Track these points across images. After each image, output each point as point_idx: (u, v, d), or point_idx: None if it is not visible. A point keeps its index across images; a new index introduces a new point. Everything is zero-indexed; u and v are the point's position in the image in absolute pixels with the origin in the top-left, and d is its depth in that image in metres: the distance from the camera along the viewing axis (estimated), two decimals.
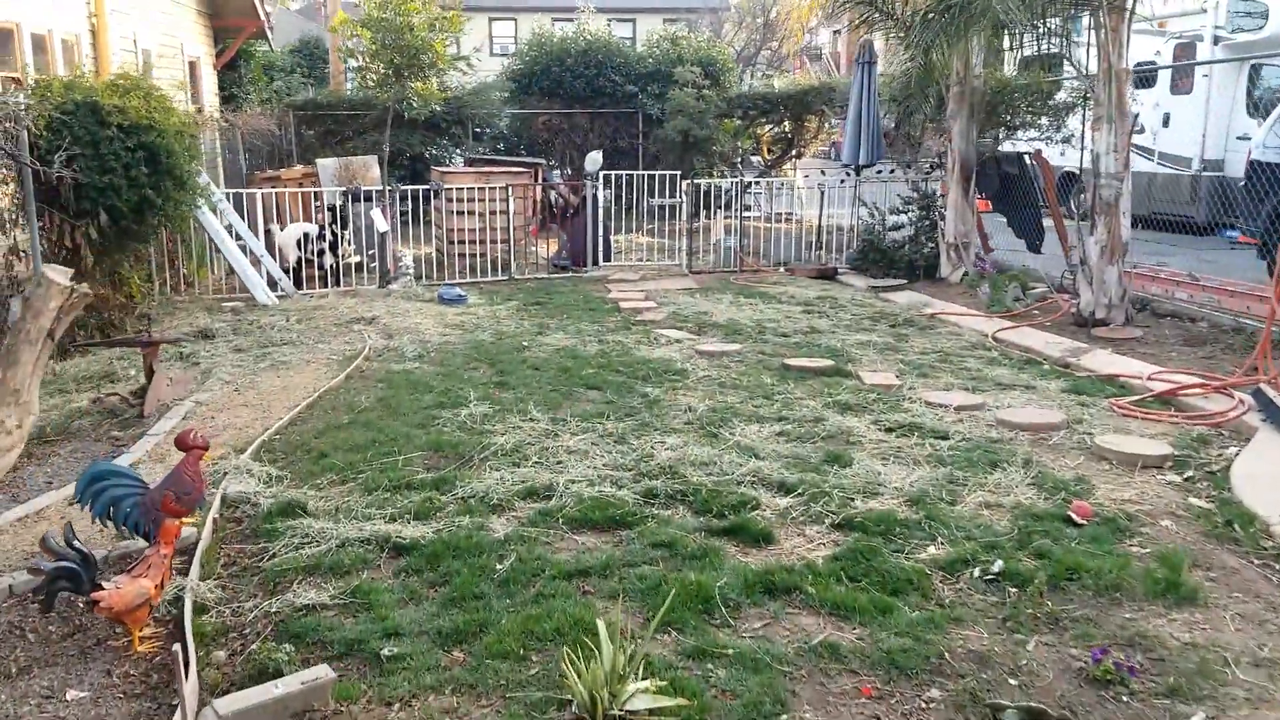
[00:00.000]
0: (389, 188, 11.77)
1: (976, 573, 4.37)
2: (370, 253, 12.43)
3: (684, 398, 7.14)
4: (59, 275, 5.90)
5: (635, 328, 9.66)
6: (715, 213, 15.01)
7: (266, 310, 10.49)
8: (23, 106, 7.71)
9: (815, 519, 4.94)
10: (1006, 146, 13.76)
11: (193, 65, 17.31)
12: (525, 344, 8.91)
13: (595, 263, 13.33)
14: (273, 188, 13.00)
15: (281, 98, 19.50)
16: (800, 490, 5.23)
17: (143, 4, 13.97)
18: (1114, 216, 9.63)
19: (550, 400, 7.03)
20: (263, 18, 18.45)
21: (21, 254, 8.25)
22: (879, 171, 14.02)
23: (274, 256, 12.01)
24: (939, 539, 4.71)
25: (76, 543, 3.93)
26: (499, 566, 4.37)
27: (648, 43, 21.48)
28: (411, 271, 11.91)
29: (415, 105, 10.96)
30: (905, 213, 13.12)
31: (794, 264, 13.48)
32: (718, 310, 10.52)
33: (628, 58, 20.38)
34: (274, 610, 4.06)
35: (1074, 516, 4.95)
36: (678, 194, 15.60)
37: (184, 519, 4.42)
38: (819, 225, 14.23)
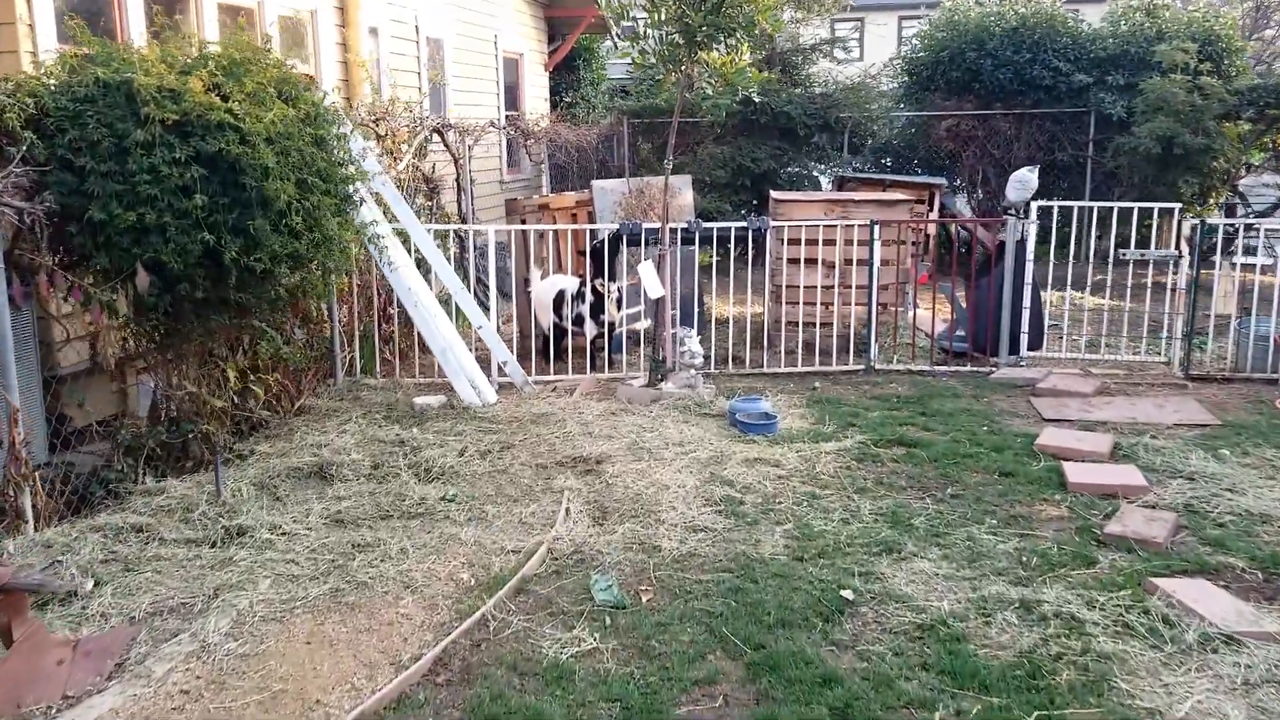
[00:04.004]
0: (676, 225, 7.40)
1: None
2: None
3: None
4: None
5: (1105, 552, 4.42)
6: (1219, 264, 9.04)
7: (459, 421, 6.54)
8: None
9: None
10: None
11: (513, 63, 14.23)
12: (845, 589, 4.09)
13: (1015, 351, 8.05)
14: (539, 222, 9.19)
15: (614, 103, 15.96)
16: None
17: None
18: None
19: None
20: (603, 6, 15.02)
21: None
22: None
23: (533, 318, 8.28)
24: None
25: None
26: None
27: (1109, 15, 15.31)
28: (698, 361, 7.43)
29: (710, 92, 6.40)
30: None
31: None
32: None
33: (1077, 37, 14.45)
34: None
35: None
36: (1152, 238, 9.84)
37: None
38: None
